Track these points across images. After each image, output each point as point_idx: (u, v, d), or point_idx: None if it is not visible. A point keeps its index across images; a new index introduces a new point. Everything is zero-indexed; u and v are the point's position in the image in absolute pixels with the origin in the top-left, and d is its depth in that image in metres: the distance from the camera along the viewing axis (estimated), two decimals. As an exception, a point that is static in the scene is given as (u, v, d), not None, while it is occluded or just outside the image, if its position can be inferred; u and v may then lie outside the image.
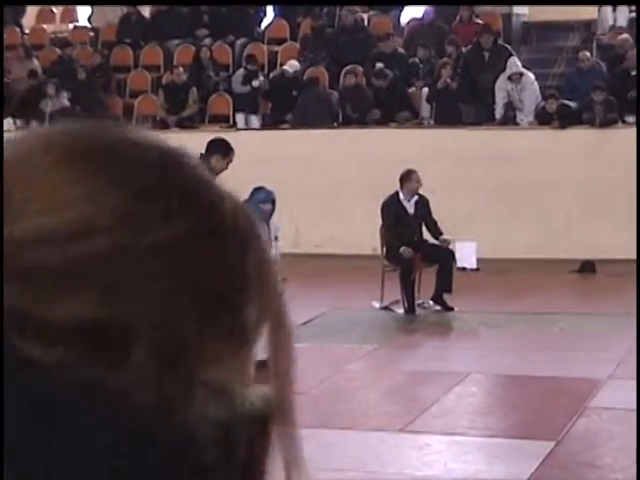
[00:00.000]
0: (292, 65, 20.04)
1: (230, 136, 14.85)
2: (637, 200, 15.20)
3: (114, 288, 0.74)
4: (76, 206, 0.73)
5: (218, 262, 0.80)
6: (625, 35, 19.54)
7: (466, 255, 16.02)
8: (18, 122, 20.71)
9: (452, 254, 15.22)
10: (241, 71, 20.17)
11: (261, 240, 0.83)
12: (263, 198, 12.16)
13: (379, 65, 19.63)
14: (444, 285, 14.89)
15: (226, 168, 11.65)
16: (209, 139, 13.00)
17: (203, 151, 11.94)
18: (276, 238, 12.70)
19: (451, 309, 14.82)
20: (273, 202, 12.31)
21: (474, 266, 16.23)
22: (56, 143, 0.79)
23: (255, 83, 19.78)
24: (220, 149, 12.09)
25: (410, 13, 22.14)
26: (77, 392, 0.75)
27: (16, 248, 0.73)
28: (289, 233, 16.14)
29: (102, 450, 0.75)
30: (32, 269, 0.73)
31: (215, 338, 0.79)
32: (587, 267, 17.30)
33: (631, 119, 17.93)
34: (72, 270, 0.73)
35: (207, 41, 21.12)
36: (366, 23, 21.36)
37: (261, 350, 1.66)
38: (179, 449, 0.78)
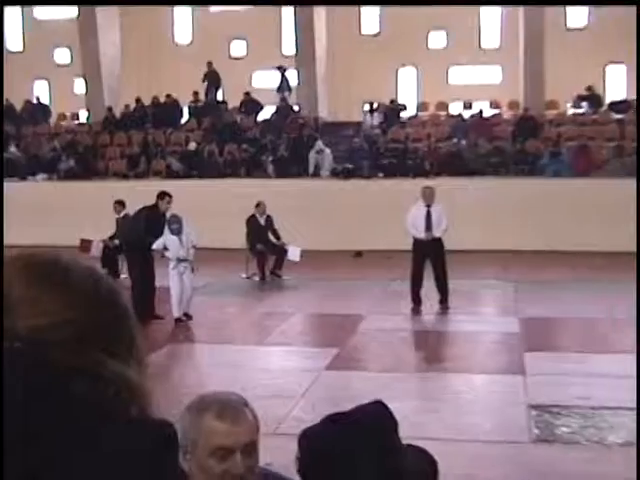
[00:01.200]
0: (192, 145, 25.08)
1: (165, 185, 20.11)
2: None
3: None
4: (40, 311, 1.05)
5: (113, 318, 1.13)
6: (377, 130, 25.51)
7: (293, 253, 18.45)
8: (46, 175, 24.77)
9: (285, 250, 18.30)
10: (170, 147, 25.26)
11: (128, 307, 1.18)
12: (176, 221, 14.09)
13: (244, 145, 24.79)
14: (278, 266, 18.35)
15: (169, 206, 14.57)
16: (154, 187, 16.51)
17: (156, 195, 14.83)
18: (193, 245, 14.55)
19: (280, 277, 18.31)
20: (180, 223, 14.07)
21: (297, 259, 18.40)
22: (29, 268, 1.10)
23: (171, 161, 24.43)
24: (165, 195, 14.67)
25: (264, 115, 27.17)
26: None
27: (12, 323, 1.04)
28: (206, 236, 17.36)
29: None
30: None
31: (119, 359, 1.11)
32: (358, 254, 21.26)
33: (381, 174, 23.25)
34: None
35: (150, 130, 25.99)
36: (238, 120, 26.56)
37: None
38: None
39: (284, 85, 27.59)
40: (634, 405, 9.52)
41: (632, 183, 20.86)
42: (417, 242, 14.90)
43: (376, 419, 2.32)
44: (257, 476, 2.67)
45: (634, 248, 19.34)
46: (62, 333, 1.07)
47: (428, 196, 14.79)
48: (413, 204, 14.95)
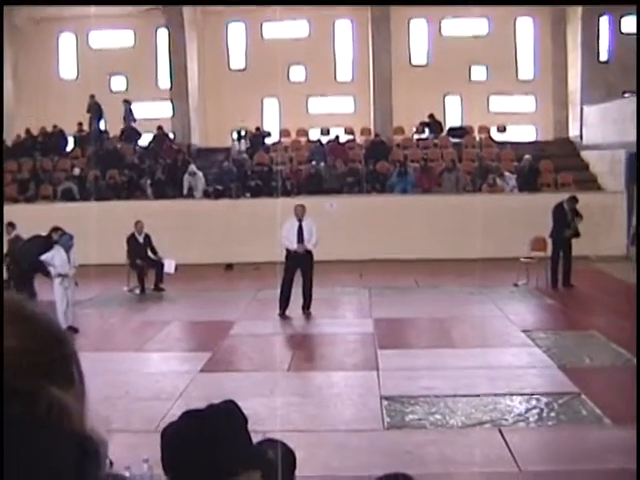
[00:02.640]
0: (76, 170, 24.52)
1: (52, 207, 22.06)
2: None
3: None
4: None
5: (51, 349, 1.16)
6: (244, 155, 25.62)
7: (169, 265, 18.30)
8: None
9: (162, 264, 18.17)
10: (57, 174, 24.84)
11: (70, 340, 1.20)
12: (67, 238, 14.02)
13: (125, 170, 24.54)
14: (159, 279, 18.18)
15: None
16: (42, 210, 18.91)
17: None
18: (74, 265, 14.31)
19: (163, 289, 18.08)
20: (72, 240, 14.04)
21: (172, 271, 18.25)
22: (8, 311, 1.15)
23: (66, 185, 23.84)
24: (58, 229, 14.58)
25: (142, 142, 26.96)
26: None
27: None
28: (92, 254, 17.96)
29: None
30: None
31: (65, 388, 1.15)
32: (229, 266, 21.31)
33: (248, 194, 23.35)
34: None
35: (39, 157, 25.67)
36: (119, 147, 26.19)
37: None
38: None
39: (129, 116, 27.65)
40: (468, 392, 9.83)
41: (463, 197, 22.47)
42: (290, 253, 15.04)
43: (226, 414, 2.34)
44: None
45: (462, 255, 20.26)
46: (18, 359, 1.12)
47: (299, 212, 15.04)
48: (287, 219, 15.14)
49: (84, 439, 1.16)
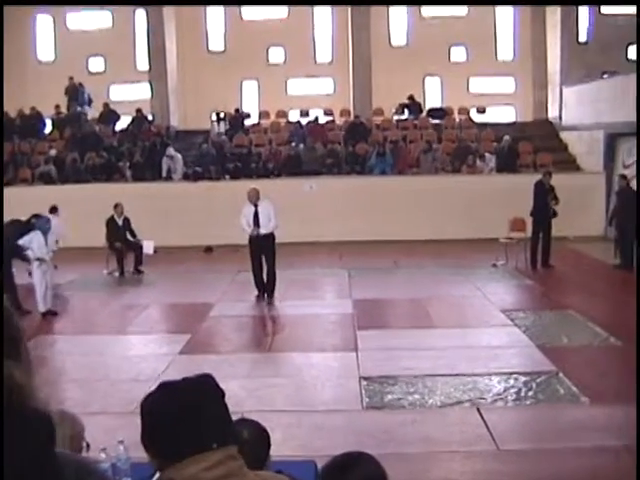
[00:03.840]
0: (52, 152, 24.41)
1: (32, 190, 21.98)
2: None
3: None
4: None
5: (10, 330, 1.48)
6: (224, 137, 25.42)
7: (147, 247, 18.34)
8: None
9: (141, 246, 18.17)
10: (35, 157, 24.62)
11: (19, 323, 1.47)
12: (44, 221, 13.81)
13: (103, 153, 24.21)
14: (138, 262, 18.18)
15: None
16: (21, 193, 18.89)
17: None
18: (57, 242, 14.66)
19: (142, 272, 18.09)
20: (50, 224, 13.86)
21: (151, 252, 18.30)
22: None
23: (45, 168, 23.49)
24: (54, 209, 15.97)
25: (121, 125, 26.63)
26: None
27: None
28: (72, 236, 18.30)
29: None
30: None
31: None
32: (208, 249, 21.25)
33: (228, 176, 23.12)
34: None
35: (17, 140, 25.40)
36: (97, 130, 25.95)
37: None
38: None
39: (82, 100, 27.48)
40: (447, 372, 9.85)
41: (440, 178, 22.64)
42: (250, 238, 14.80)
43: (198, 385, 2.37)
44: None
45: (441, 236, 20.30)
46: None
47: (253, 196, 14.66)
48: (245, 204, 14.75)
49: (32, 413, 1.16)
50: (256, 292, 15.03)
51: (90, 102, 27.52)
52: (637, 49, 18.45)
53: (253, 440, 3.68)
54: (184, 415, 2.27)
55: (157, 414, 2.31)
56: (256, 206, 14.64)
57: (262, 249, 14.74)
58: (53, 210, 17.60)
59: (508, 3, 28.39)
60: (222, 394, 2.41)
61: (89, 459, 2.73)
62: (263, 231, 14.59)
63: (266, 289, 14.90)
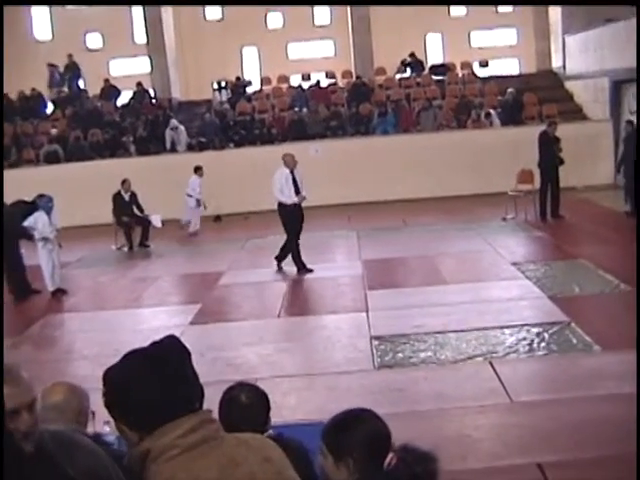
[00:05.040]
0: (54, 131, 24.51)
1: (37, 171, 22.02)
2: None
3: None
4: None
5: None
6: (226, 106, 25.24)
7: (155, 220, 18.24)
8: None
9: (149, 221, 18.15)
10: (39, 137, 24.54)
11: None
12: (47, 200, 13.72)
13: (106, 129, 24.15)
14: (145, 236, 18.16)
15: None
16: (27, 174, 19.04)
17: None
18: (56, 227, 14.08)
19: (148, 246, 18.03)
20: (52, 202, 13.75)
21: (159, 225, 18.22)
22: None
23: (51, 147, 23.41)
24: (43, 195, 14.00)
25: (122, 100, 26.51)
26: None
27: None
28: (79, 214, 19.63)
29: None
30: None
31: None
32: (217, 218, 21.23)
33: (232, 145, 23.16)
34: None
35: (19, 122, 25.11)
36: (99, 106, 25.65)
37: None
38: None
39: (55, 81, 27.12)
40: (459, 327, 9.80)
41: (443, 135, 22.44)
42: (288, 207, 13.81)
43: (165, 350, 2.31)
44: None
45: (449, 193, 20.25)
46: None
47: (290, 162, 13.81)
48: (277, 171, 13.95)
49: None
50: (300, 269, 14.13)
51: (63, 84, 27.17)
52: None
53: (252, 404, 3.64)
54: (152, 382, 2.22)
55: (124, 384, 2.26)
56: (293, 172, 13.86)
57: (301, 218, 14.02)
58: None
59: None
60: (188, 354, 2.34)
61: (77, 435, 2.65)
62: (305, 197, 13.94)
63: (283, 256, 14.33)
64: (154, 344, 2.32)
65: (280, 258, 14.32)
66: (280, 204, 13.91)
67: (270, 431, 3.67)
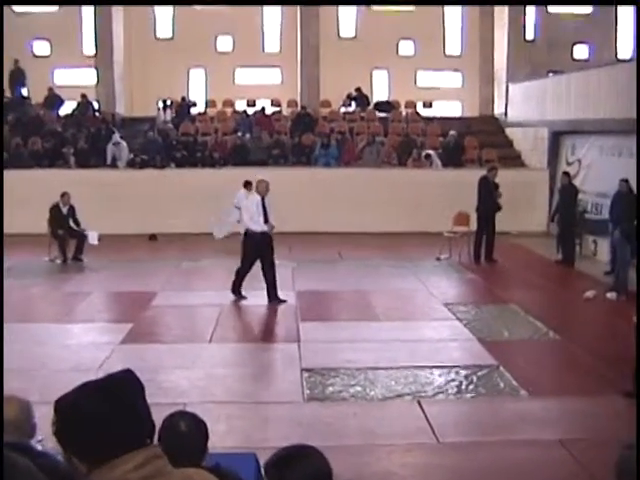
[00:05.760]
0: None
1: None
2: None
3: None
4: None
5: None
6: (170, 125, 25.32)
7: (92, 237, 18.08)
8: None
9: (84, 235, 17.95)
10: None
11: None
12: None
13: (47, 138, 23.79)
14: (79, 250, 17.88)
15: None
16: None
17: None
18: None
19: (81, 260, 17.73)
20: None
21: (96, 242, 18.03)
22: None
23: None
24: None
25: (65, 110, 26.29)
26: None
27: None
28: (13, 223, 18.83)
29: None
30: None
31: None
32: (152, 237, 21.04)
33: (173, 165, 22.89)
34: None
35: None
36: (41, 114, 25.39)
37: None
38: None
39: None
40: (389, 365, 9.89)
41: (385, 171, 22.70)
42: (255, 235, 13.36)
43: (120, 384, 2.29)
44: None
45: (386, 229, 20.43)
46: None
47: (264, 189, 13.44)
48: (245, 196, 13.58)
49: None
50: (234, 293, 13.97)
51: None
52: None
53: (191, 432, 3.66)
54: (104, 416, 2.20)
55: (76, 415, 2.22)
56: (263, 199, 13.44)
57: (264, 248, 13.46)
58: None
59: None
60: (142, 388, 2.34)
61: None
62: (274, 226, 13.49)
63: (269, 292, 13.68)
64: (109, 377, 2.32)
65: (272, 294, 13.76)
66: (247, 232, 13.51)
67: (206, 462, 3.68)
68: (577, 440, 7.46)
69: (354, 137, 25.27)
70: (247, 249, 13.58)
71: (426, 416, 8.18)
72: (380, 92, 29.47)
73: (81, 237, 18.06)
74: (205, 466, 3.56)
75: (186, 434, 3.62)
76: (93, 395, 2.25)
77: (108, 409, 2.21)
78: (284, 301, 13.60)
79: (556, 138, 22.58)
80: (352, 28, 29.65)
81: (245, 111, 26.76)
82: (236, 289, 13.86)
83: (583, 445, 7.28)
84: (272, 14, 29.76)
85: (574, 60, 26.37)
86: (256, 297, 14.00)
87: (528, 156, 24.61)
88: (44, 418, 4.32)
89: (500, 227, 18.39)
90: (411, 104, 28.05)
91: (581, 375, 9.62)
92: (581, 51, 27.16)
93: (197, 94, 29.25)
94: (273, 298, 13.63)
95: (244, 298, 13.84)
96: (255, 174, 21.91)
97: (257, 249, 13.43)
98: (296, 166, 23.65)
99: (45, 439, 4.74)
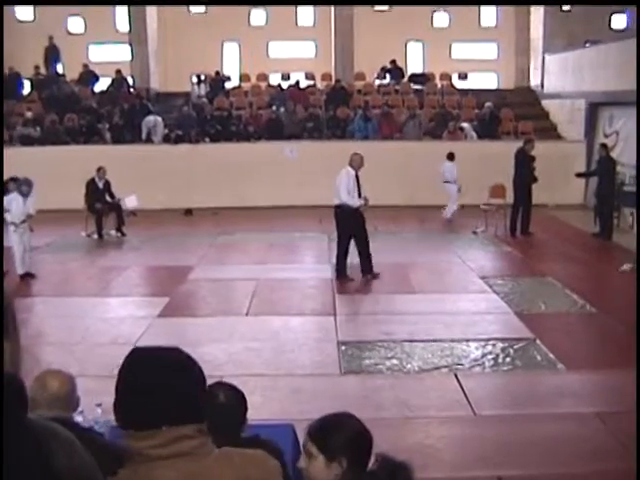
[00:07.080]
0: (29, 114, 23.78)
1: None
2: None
3: None
4: None
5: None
6: (204, 100, 25.04)
7: (129, 201, 18.45)
8: None
9: (120, 207, 18.09)
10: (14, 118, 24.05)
11: (12, 304, 3.44)
12: (27, 183, 13.48)
13: (82, 114, 23.87)
14: (121, 222, 18.09)
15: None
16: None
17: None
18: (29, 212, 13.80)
19: (124, 234, 17.96)
20: (31, 187, 13.48)
21: (135, 203, 18.46)
22: None
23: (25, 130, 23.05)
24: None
25: (100, 86, 26.28)
26: None
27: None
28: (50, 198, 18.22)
29: None
30: None
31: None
32: (188, 212, 21.30)
33: (208, 139, 22.91)
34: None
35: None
36: (76, 91, 25.45)
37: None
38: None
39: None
40: (426, 337, 9.89)
41: (424, 144, 22.46)
42: (350, 210, 13.01)
43: (170, 362, 2.40)
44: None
45: (423, 202, 20.27)
46: None
47: (358, 162, 13.11)
48: (341, 171, 13.17)
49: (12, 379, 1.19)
50: (336, 275, 13.53)
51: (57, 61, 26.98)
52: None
53: (230, 403, 3.69)
54: (143, 390, 2.27)
55: (124, 384, 2.31)
56: (357, 172, 13.07)
57: (359, 224, 13.19)
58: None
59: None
60: (190, 371, 2.43)
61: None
62: (368, 201, 13.11)
63: (364, 268, 13.43)
64: (160, 353, 2.36)
65: (367, 267, 13.51)
66: (340, 206, 13.14)
67: (245, 433, 3.72)
68: (614, 413, 7.42)
69: (389, 110, 24.99)
70: (344, 223, 13.22)
71: (463, 389, 8.17)
72: (415, 64, 29.29)
73: (119, 209, 18.20)
74: (244, 436, 3.61)
75: (225, 405, 3.65)
76: (139, 367, 2.33)
77: (143, 384, 2.28)
78: (378, 274, 13.39)
79: (593, 110, 22.31)
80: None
81: (279, 85, 26.72)
82: (341, 270, 13.40)
83: (620, 418, 7.24)
84: (306, -14, 29.53)
85: (612, 30, 25.90)
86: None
87: (565, 128, 24.34)
88: (83, 390, 4.41)
89: (537, 200, 18.25)
90: (446, 76, 27.79)
91: (617, 348, 9.54)
92: (619, 21, 26.68)
93: (231, 68, 29.23)
94: (368, 272, 13.39)
95: (351, 280, 13.37)
96: (290, 147, 22.54)
97: (352, 224, 13.13)
98: (331, 139, 23.48)
99: (84, 411, 4.83)
